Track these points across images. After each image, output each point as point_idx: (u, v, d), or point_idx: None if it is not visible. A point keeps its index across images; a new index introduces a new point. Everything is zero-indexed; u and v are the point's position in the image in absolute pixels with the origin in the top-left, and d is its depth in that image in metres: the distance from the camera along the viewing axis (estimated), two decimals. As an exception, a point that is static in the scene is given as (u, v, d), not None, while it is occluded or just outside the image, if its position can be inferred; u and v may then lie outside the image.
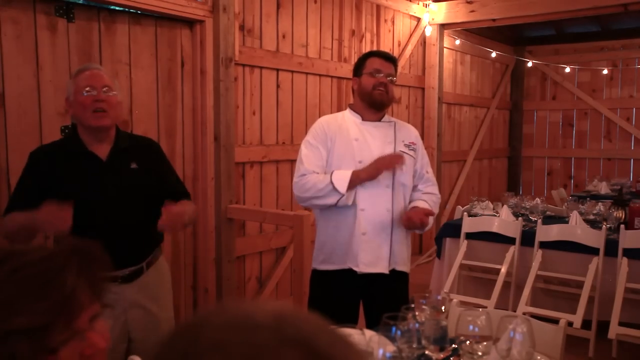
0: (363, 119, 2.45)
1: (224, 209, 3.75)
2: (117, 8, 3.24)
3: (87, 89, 1.98)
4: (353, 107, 2.50)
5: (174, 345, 0.52)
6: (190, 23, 3.65)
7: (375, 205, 2.37)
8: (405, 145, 2.46)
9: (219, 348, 0.48)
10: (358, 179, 2.32)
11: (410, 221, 2.34)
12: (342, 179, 2.29)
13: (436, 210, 2.49)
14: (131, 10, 3.32)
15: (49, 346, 0.79)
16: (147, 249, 2.17)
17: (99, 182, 2.00)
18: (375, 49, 5.34)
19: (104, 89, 2.00)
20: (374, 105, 2.42)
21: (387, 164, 2.32)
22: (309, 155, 2.39)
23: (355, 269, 2.37)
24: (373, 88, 2.38)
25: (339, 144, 2.40)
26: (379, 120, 2.47)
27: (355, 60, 2.59)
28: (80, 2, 3.08)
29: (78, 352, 0.83)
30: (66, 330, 0.81)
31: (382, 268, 2.39)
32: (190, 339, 0.50)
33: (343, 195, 2.29)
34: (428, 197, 2.49)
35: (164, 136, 3.54)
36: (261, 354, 0.47)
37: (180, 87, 3.64)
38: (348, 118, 2.47)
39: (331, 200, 2.31)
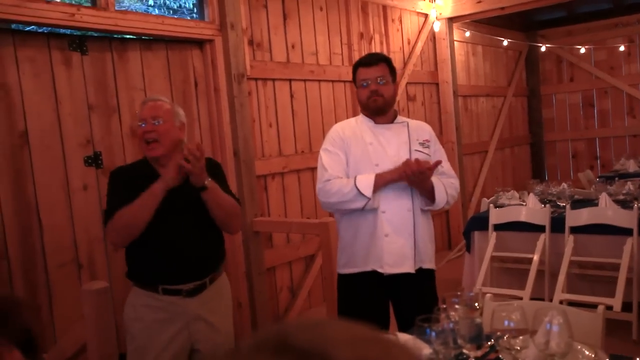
0: (376, 122, 2.47)
1: (250, 222, 3.78)
2: (128, 36, 3.30)
3: (140, 122, 2.15)
4: (364, 113, 2.52)
5: None
6: (200, 43, 3.70)
7: (396, 206, 2.38)
8: (419, 143, 2.47)
9: None
10: (382, 181, 2.32)
11: (407, 164, 2.28)
12: (366, 183, 2.30)
13: (451, 192, 2.45)
14: (142, 37, 3.37)
15: None
16: (210, 265, 2.24)
17: (166, 202, 2.08)
18: (385, 49, 5.34)
19: (154, 120, 2.13)
20: (372, 113, 2.45)
21: (413, 171, 2.28)
22: (330, 161, 2.41)
23: (379, 270, 2.37)
24: (367, 99, 2.42)
25: (355, 149, 2.42)
26: (392, 121, 2.49)
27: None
28: (92, 34, 3.15)
29: None
30: None
31: (408, 267, 2.38)
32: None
33: (369, 199, 2.30)
34: (444, 179, 2.45)
35: (184, 157, 3.58)
36: None
37: (196, 107, 3.69)
38: (361, 123, 2.49)
39: (358, 204, 2.32)
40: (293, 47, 4.36)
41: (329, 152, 2.44)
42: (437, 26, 5.93)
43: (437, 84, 6.10)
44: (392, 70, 2.49)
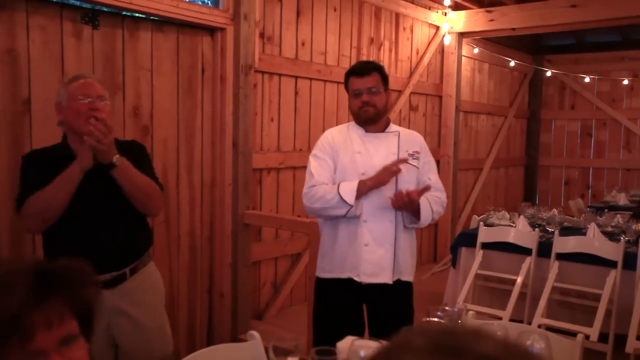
0: (366, 131, 2.48)
1: (241, 214, 3.79)
2: (141, 15, 3.30)
3: (82, 96, 2.03)
4: (355, 120, 2.52)
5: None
6: (211, 30, 3.70)
7: (378, 216, 2.39)
8: (409, 155, 2.46)
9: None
10: (365, 188, 2.34)
11: (396, 198, 2.30)
12: (349, 190, 2.32)
13: (436, 208, 2.46)
14: (154, 18, 3.37)
15: None
16: (131, 254, 2.14)
17: (83, 187, 1.99)
18: (393, 56, 5.36)
19: (101, 100, 2.06)
20: (363, 122, 2.46)
21: (391, 172, 2.33)
22: (317, 167, 2.43)
23: (356, 279, 2.39)
24: (358, 109, 2.43)
25: (343, 157, 2.44)
26: (383, 130, 2.49)
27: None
28: (105, 9, 3.15)
29: None
30: (20, 350, 0.80)
31: (386, 278, 2.40)
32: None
33: (352, 206, 2.31)
34: (429, 195, 2.45)
35: (183, 142, 3.59)
36: None
37: (200, 94, 3.69)
38: (352, 130, 2.50)
39: (340, 211, 2.34)
40: (303, 44, 4.37)
41: (318, 159, 2.46)
42: (448, 40, 5.96)
43: (441, 97, 6.13)
44: (384, 78, 2.47)
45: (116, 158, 2.02)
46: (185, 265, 3.64)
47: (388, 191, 2.39)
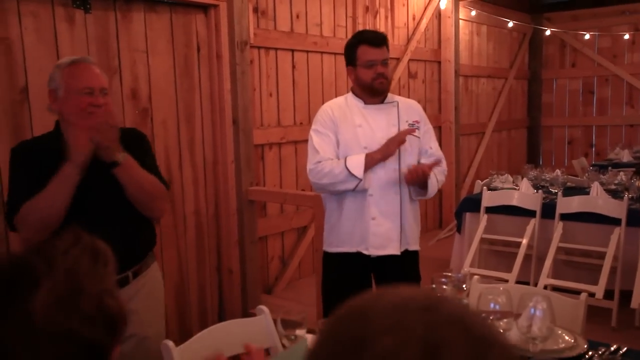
0: (366, 103, 2.47)
1: (245, 191, 3.81)
2: (132, -4, 3.26)
3: (85, 90, 1.84)
4: (355, 92, 2.50)
5: (344, 332, 0.57)
6: (204, 8, 3.66)
7: (384, 189, 2.40)
8: (409, 124, 2.46)
9: (394, 326, 0.54)
10: (373, 161, 2.35)
11: (411, 175, 2.33)
12: (357, 164, 2.32)
13: (440, 177, 2.49)
14: (146, -2, 3.34)
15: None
16: (132, 255, 1.96)
17: (83, 182, 1.82)
18: (389, 24, 5.30)
19: (102, 90, 1.88)
20: (375, 94, 2.45)
21: (398, 142, 2.35)
22: (320, 142, 2.42)
23: (365, 252, 2.42)
24: (372, 80, 2.39)
25: (344, 131, 2.43)
26: (382, 102, 2.48)
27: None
28: (96, -8, 3.11)
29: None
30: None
31: (394, 249, 2.42)
32: (360, 324, 0.56)
33: (360, 180, 2.32)
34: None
35: (183, 122, 3.59)
36: (430, 334, 0.53)
37: (197, 73, 3.67)
38: (351, 102, 2.48)
39: (349, 185, 2.35)
40: (298, 17, 4.32)
41: (320, 133, 2.45)
42: (444, 3, 5.88)
43: (439, 62, 6.08)
44: (388, 50, 2.48)
45: (121, 155, 1.85)
46: (193, 244, 3.68)
47: (392, 164, 2.40)
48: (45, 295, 0.77)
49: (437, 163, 2.40)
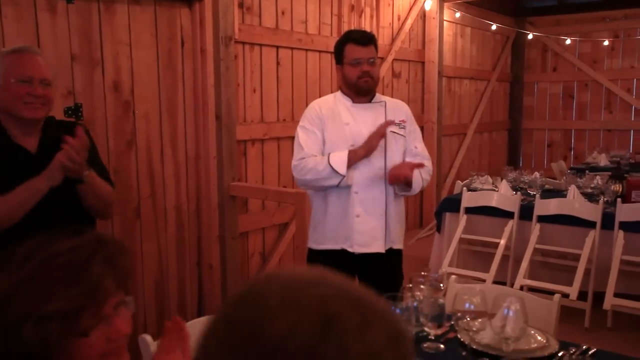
0: (354, 102, 2.48)
1: (227, 186, 3.80)
2: (116, -12, 3.23)
3: (24, 78, 1.82)
4: (343, 90, 2.52)
5: (240, 315, 0.58)
6: (189, 2, 3.64)
7: (369, 187, 2.42)
8: (395, 124, 2.48)
9: (288, 305, 0.55)
10: (356, 157, 2.36)
11: (394, 175, 2.36)
12: (340, 160, 2.34)
13: (425, 176, 2.51)
14: (130, -10, 3.31)
15: (79, 330, 0.86)
16: None
17: (27, 177, 1.82)
18: (374, 23, 5.32)
19: (43, 81, 1.86)
20: (361, 93, 2.46)
21: (379, 135, 2.36)
22: (306, 139, 2.44)
23: (349, 249, 2.44)
24: (358, 78, 2.41)
25: (331, 129, 2.45)
26: (370, 101, 2.50)
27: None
28: (79, -17, 3.08)
29: (105, 336, 0.89)
30: (94, 315, 0.87)
31: (378, 247, 2.45)
32: (254, 307, 0.57)
33: (344, 176, 2.34)
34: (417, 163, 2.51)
35: (165, 116, 3.57)
36: (323, 306, 0.55)
37: (181, 67, 3.65)
38: (339, 101, 2.50)
39: (332, 182, 2.36)
40: (283, 13, 4.32)
41: (306, 130, 2.46)
42: (429, 4, 5.92)
43: (423, 63, 6.12)
44: (376, 50, 2.50)
45: (86, 174, 1.88)
46: (173, 238, 3.67)
47: (377, 162, 2.42)
48: None
49: (421, 165, 2.42)
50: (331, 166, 2.34)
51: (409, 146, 2.54)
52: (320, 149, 2.44)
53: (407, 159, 2.53)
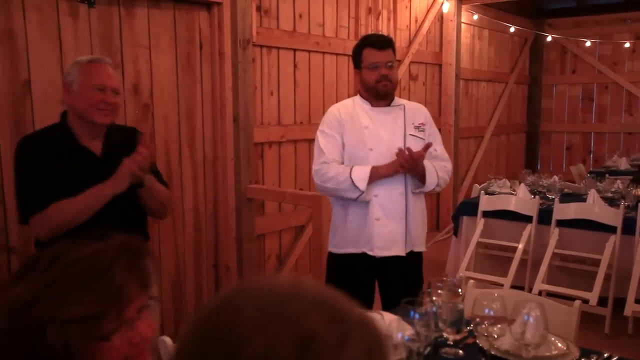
0: (373, 105, 2.49)
1: (244, 189, 3.82)
2: (136, -8, 3.27)
3: (98, 87, 1.97)
4: (362, 94, 2.52)
5: (213, 335, 0.56)
6: (207, 5, 3.67)
7: (389, 190, 2.41)
8: (415, 127, 2.49)
9: (264, 324, 0.54)
10: (377, 175, 2.36)
11: (401, 157, 2.34)
12: (361, 175, 2.33)
13: (442, 174, 2.48)
14: (150, -6, 3.34)
15: (101, 334, 0.87)
16: None
17: (95, 179, 1.96)
18: (392, 25, 5.31)
19: (114, 90, 2.02)
20: (379, 97, 2.46)
21: (406, 160, 2.33)
22: (326, 144, 2.44)
23: (370, 253, 2.43)
24: (376, 82, 2.41)
25: (350, 133, 2.45)
26: (389, 104, 2.50)
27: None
28: (100, -13, 3.12)
29: (127, 340, 0.90)
30: (116, 319, 0.88)
31: (398, 251, 2.44)
32: (227, 326, 0.56)
33: (363, 192, 2.34)
34: (435, 163, 2.50)
35: (184, 118, 3.60)
36: (300, 324, 0.54)
37: (199, 70, 3.68)
38: (358, 105, 2.50)
39: (351, 195, 2.37)
40: (300, 16, 4.33)
41: (326, 135, 2.47)
42: (446, 7, 5.89)
43: (440, 66, 6.09)
44: (395, 54, 2.50)
45: (147, 179, 2.03)
46: (191, 240, 3.70)
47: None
48: None
49: (428, 146, 2.38)
50: (352, 180, 2.34)
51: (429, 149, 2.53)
52: (340, 153, 2.45)
53: (425, 162, 2.52)
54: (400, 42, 5.46)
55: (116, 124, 2.16)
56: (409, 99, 5.67)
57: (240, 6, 3.68)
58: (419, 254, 2.55)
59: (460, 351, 1.63)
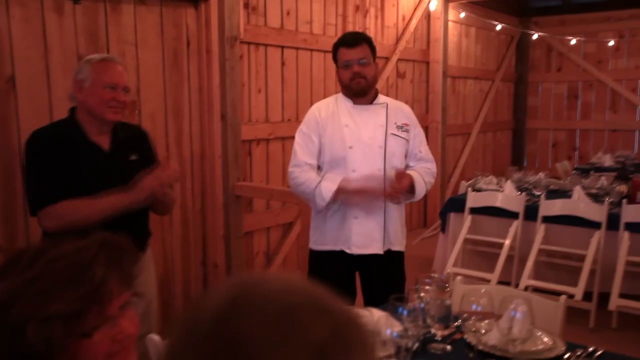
0: (355, 103, 2.47)
1: (232, 186, 3.81)
2: (122, -12, 3.24)
3: (111, 85, 2.04)
4: (343, 92, 2.52)
5: (218, 335, 0.54)
6: (195, 2, 3.65)
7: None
8: (397, 127, 2.47)
9: (276, 342, 0.53)
10: (345, 194, 2.35)
11: (390, 196, 2.37)
12: (327, 189, 2.34)
13: (428, 179, 2.51)
14: (136, -10, 3.32)
15: (82, 331, 0.86)
16: (140, 241, 2.21)
17: (103, 174, 2.05)
18: (379, 23, 5.32)
19: (125, 89, 2.09)
20: (355, 94, 2.45)
21: (372, 194, 2.36)
22: (302, 145, 2.47)
23: (347, 250, 2.44)
24: (350, 80, 2.41)
25: (330, 131, 2.44)
26: (371, 102, 2.49)
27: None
28: (86, -17, 3.09)
29: (110, 337, 0.90)
30: (98, 316, 0.88)
31: (376, 249, 2.44)
32: (236, 335, 0.54)
33: (326, 204, 2.37)
34: (419, 168, 2.51)
35: (171, 115, 3.58)
36: (308, 335, 0.53)
37: (187, 67, 3.66)
38: (340, 102, 2.49)
39: (318, 205, 2.40)
40: (288, 13, 4.32)
41: (303, 135, 2.48)
42: (433, 5, 5.91)
43: (428, 63, 6.12)
44: (372, 49, 2.47)
45: (164, 193, 2.11)
46: (179, 237, 3.68)
47: (377, 164, 2.41)
48: None
49: (402, 174, 2.39)
50: (317, 192, 2.35)
51: (413, 150, 2.53)
52: (314, 154, 2.46)
53: (411, 163, 2.53)
54: (387, 40, 5.47)
55: (124, 122, 2.21)
56: (396, 96, 5.72)
57: (227, 3, 3.67)
58: (400, 253, 2.55)
59: (448, 347, 1.65)
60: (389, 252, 2.48)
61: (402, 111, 2.54)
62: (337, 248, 2.47)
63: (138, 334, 0.96)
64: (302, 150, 2.45)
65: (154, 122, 3.48)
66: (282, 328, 0.53)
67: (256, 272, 0.65)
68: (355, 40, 2.43)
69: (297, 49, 4.42)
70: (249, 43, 4.01)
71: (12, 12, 2.82)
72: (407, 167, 2.53)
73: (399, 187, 2.34)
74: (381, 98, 2.53)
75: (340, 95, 2.53)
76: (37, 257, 0.88)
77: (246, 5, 3.96)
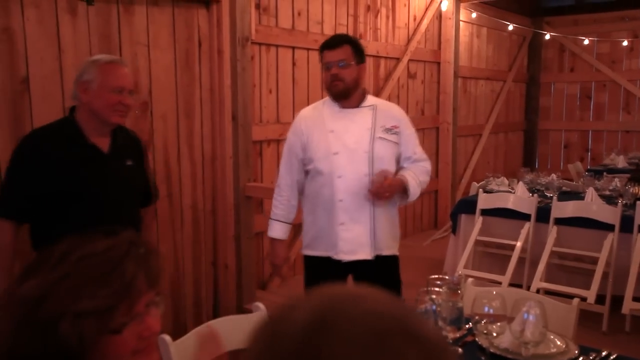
0: (341, 107, 2.40)
1: (242, 187, 3.82)
2: (135, -10, 3.26)
3: (117, 88, 2.03)
4: (329, 95, 2.47)
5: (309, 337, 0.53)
6: (206, 3, 3.66)
7: (354, 195, 2.35)
8: (385, 130, 2.39)
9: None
10: (270, 246, 2.65)
11: (374, 194, 2.34)
12: (272, 229, 2.60)
13: (423, 178, 2.46)
14: (148, -8, 3.34)
15: (113, 327, 0.88)
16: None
17: (101, 175, 2.04)
18: (390, 24, 5.31)
19: (130, 92, 2.08)
20: (335, 98, 2.39)
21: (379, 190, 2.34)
22: (284, 163, 2.55)
23: (334, 257, 2.39)
24: (329, 83, 2.36)
25: (316, 137, 2.40)
26: (358, 105, 2.41)
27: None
28: (99, -16, 3.11)
29: (137, 333, 0.91)
30: (127, 313, 0.89)
31: (365, 255, 2.38)
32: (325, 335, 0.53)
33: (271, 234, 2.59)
34: (414, 166, 2.46)
35: (182, 116, 3.60)
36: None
37: (198, 68, 3.68)
38: (328, 106, 2.43)
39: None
40: (299, 14, 4.33)
41: (287, 148, 2.54)
42: (445, 5, 5.89)
43: (439, 63, 6.09)
44: (357, 51, 2.38)
45: None
46: (189, 238, 3.70)
47: (363, 169, 2.35)
48: None
49: (383, 174, 2.36)
50: (270, 222, 2.58)
51: (407, 153, 2.47)
52: (295, 172, 2.51)
53: (405, 165, 2.48)
54: (398, 40, 5.46)
55: (121, 126, 2.20)
56: (407, 97, 5.71)
57: (239, 4, 3.68)
58: (392, 257, 2.48)
59: (460, 349, 1.64)
60: (379, 258, 2.42)
61: (392, 113, 2.46)
62: (324, 254, 2.43)
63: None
64: (284, 168, 2.54)
65: (165, 123, 3.50)
66: (371, 355, 0.52)
67: (347, 288, 0.63)
68: (335, 42, 2.38)
69: (308, 49, 4.42)
70: (260, 44, 4.02)
71: (27, 13, 2.85)
72: (399, 170, 2.46)
73: (381, 183, 2.29)
74: (369, 100, 2.44)
75: (327, 99, 2.46)
76: (67, 254, 0.90)
77: (257, 6, 3.97)
